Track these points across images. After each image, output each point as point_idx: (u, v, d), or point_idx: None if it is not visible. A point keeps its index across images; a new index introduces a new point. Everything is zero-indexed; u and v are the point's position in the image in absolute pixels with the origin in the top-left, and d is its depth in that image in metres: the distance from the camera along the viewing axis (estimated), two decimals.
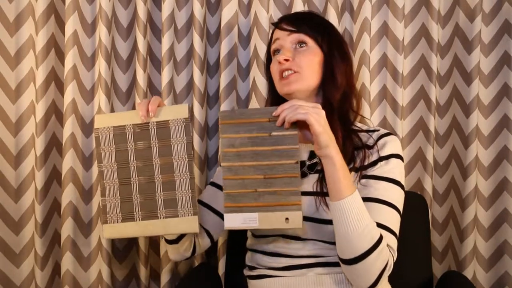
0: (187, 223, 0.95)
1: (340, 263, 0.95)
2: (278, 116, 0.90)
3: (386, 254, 0.92)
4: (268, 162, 0.91)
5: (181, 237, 1.07)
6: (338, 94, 1.04)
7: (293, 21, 1.07)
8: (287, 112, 0.89)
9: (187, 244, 1.10)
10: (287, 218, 0.90)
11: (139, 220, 0.97)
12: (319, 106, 0.90)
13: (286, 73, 1.04)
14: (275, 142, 0.91)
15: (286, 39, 1.06)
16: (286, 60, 1.03)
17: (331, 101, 1.03)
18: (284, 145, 0.90)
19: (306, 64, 1.03)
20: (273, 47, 1.10)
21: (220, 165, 1.04)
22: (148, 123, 0.96)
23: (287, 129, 0.90)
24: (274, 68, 1.07)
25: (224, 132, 0.92)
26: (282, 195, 0.91)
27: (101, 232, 1.36)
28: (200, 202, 1.12)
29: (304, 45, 1.05)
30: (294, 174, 0.90)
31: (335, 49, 1.06)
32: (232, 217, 0.92)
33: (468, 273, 1.33)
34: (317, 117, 0.87)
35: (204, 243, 1.13)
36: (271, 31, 1.19)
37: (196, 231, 0.96)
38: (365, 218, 0.90)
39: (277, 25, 1.10)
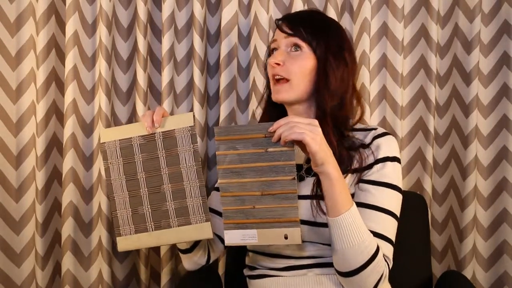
0: (201, 230, 0.95)
1: (336, 273, 0.95)
2: (274, 132, 0.88)
3: (382, 266, 0.92)
4: (265, 179, 0.90)
5: (194, 245, 1.06)
6: (332, 100, 1.01)
7: (292, 23, 1.05)
8: (283, 129, 0.87)
9: (201, 252, 1.09)
10: (286, 235, 0.90)
11: (152, 230, 0.97)
12: (316, 122, 0.88)
13: (277, 77, 1.03)
14: (271, 158, 0.90)
15: (282, 42, 1.05)
16: (277, 64, 1.02)
17: (324, 107, 1.01)
18: (281, 161, 0.89)
19: (296, 71, 1.01)
20: (271, 46, 1.09)
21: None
22: (154, 134, 0.96)
23: (283, 145, 0.89)
24: (269, 71, 1.06)
25: (220, 149, 0.91)
26: (280, 212, 0.90)
27: (101, 232, 1.36)
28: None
29: (298, 49, 1.03)
30: (291, 191, 0.90)
31: (331, 54, 1.02)
32: (232, 233, 0.92)
33: (468, 273, 1.33)
34: (313, 135, 0.86)
35: (218, 248, 1.13)
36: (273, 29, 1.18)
37: (211, 237, 0.96)
38: (361, 233, 0.89)
39: (278, 23, 1.09)
